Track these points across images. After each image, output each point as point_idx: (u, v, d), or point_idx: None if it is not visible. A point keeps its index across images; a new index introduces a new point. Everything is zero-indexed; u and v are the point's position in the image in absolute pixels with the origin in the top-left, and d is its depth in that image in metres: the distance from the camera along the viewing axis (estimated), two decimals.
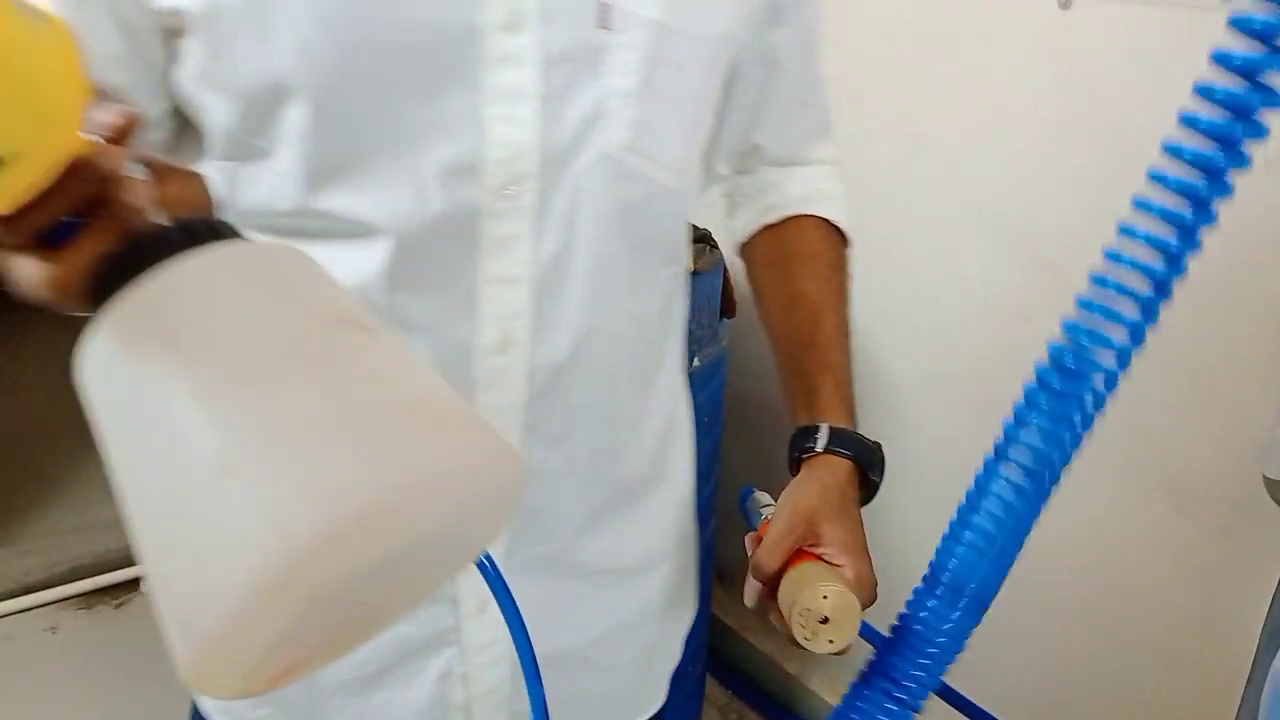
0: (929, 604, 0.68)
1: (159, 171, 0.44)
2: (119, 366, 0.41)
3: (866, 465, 0.82)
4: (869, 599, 0.75)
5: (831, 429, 0.81)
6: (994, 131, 1.47)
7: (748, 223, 0.92)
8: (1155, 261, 0.54)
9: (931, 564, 0.71)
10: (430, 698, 0.79)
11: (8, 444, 2.75)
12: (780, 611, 0.72)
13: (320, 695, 0.79)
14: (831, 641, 0.70)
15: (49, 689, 2.03)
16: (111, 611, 2.23)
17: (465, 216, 0.66)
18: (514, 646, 0.58)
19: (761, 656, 2.06)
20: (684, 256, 0.83)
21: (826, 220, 0.89)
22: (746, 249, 0.93)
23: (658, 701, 0.93)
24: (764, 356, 1.87)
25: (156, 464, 0.41)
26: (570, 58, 0.66)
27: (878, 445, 0.83)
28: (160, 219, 0.43)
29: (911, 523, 1.77)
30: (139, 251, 0.42)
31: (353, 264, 0.66)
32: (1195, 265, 0.54)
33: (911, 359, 1.69)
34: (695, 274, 1.61)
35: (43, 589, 2.24)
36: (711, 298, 1.64)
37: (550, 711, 0.63)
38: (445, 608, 0.76)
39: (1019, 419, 0.64)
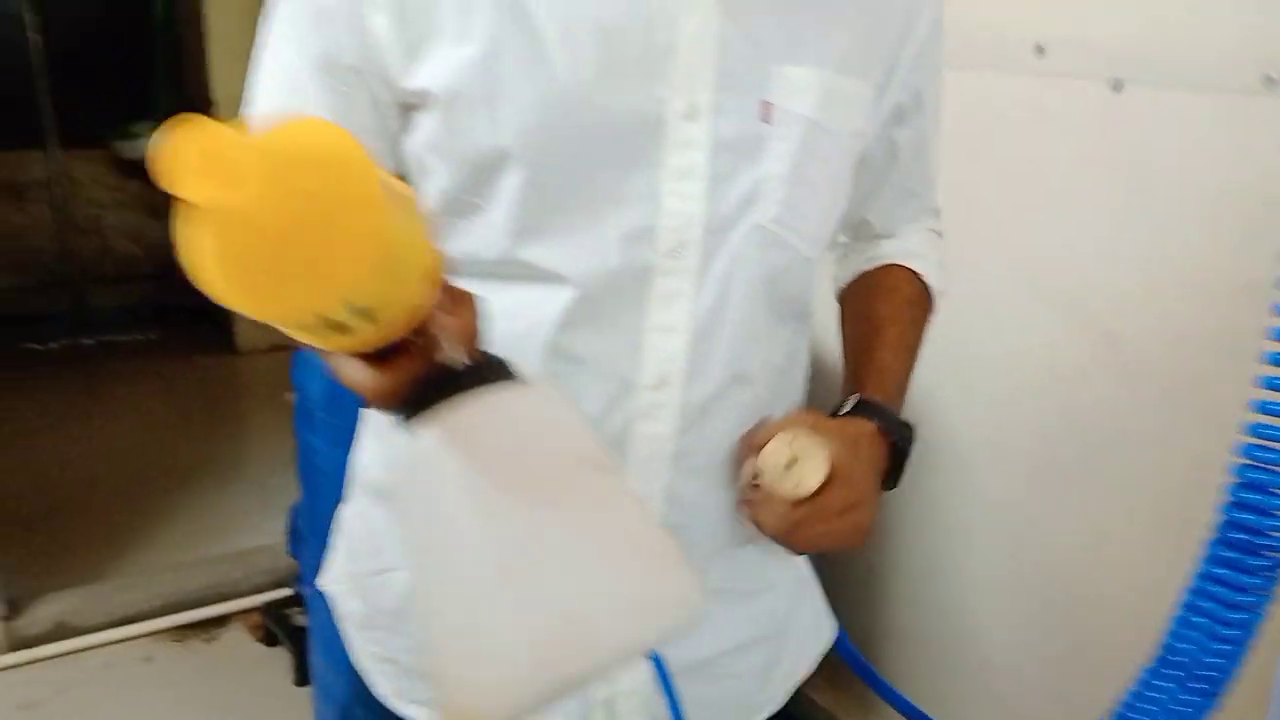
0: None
1: (453, 296, 0.54)
2: (427, 473, 0.52)
3: (893, 433, 0.84)
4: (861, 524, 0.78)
5: (862, 399, 0.85)
6: (1048, 207, 1.51)
7: (848, 272, 0.99)
8: None
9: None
10: (577, 695, 0.87)
11: (108, 489, 2.93)
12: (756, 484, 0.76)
13: None
14: (797, 484, 0.72)
15: (144, 715, 2.15)
16: (202, 645, 2.36)
17: (639, 272, 0.76)
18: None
19: (821, 711, 2.08)
20: (809, 316, 0.91)
21: (914, 271, 0.97)
22: (843, 294, 1.00)
23: (772, 707, 0.99)
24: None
25: (445, 554, 0.52)
26: (735, 146, 0.76)
27: (910, 424, 0.86)
28: (457, 350, 0.53)
29: (970, 585, 1.80)
30: (443, 379, 0.53)
31: (539, 305, 0.76)
32: None
33: (972, 426, 1.72)
34: None
35: (140, 620, 2.38)
36: None
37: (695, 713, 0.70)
38: None
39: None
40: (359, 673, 0.95)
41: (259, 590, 2.44)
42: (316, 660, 1.80)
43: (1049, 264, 1.52)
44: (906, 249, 0.96)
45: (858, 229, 0.98)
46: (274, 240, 0.43)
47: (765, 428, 0.79)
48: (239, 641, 2.37)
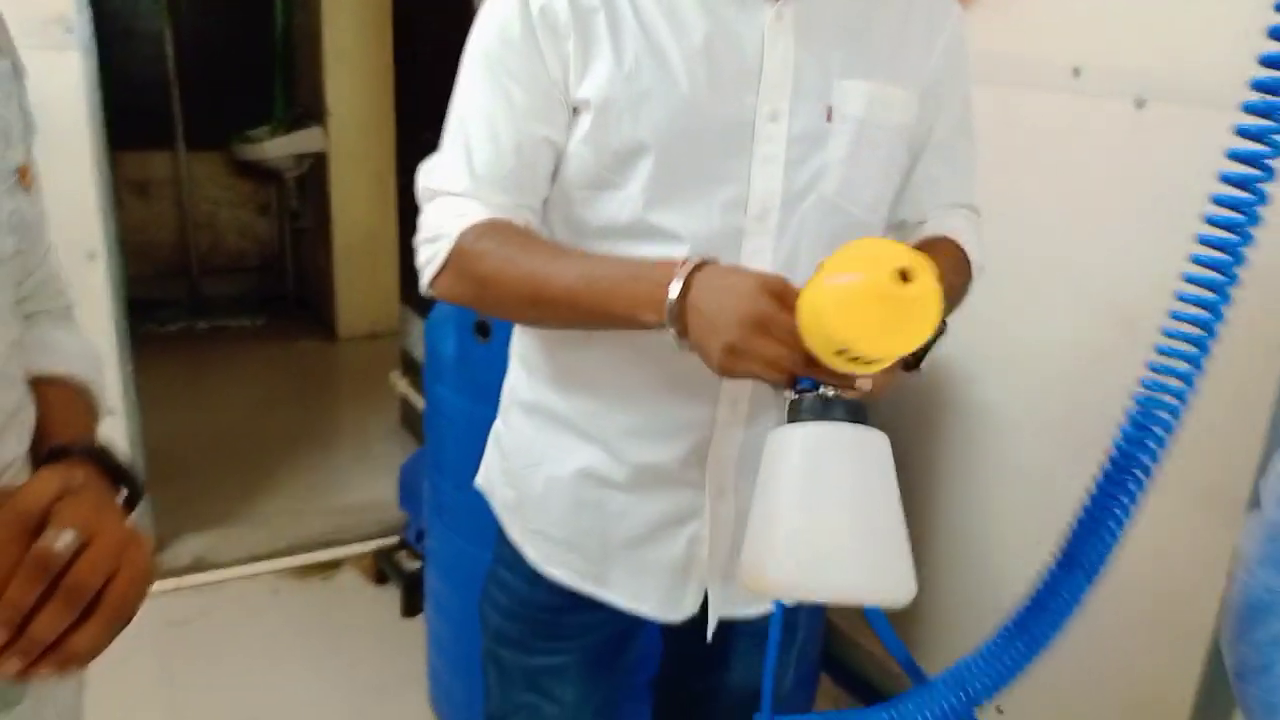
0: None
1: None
2: (803, 452, 0.84)
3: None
4: None
5: None
6: (1080, 210, 1.74)
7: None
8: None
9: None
10: (683, 553, 1.12)
11: (231, 450, 3.28)
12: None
13: (609, 547, 1.13)
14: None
15: (270, 639, 2.46)
16: (320, 582, 2.67)
17: (733, 233, 1.01)
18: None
19: (870, 658, 2.31)
20: None
21: (954, 240, 1.17)
22: None
23: None
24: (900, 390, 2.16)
25: (795, 494, 0.84)
26: (805, 139, 1.01)
27: (944, 323, 1.02)
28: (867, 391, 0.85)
29: (1011, 552, 2.02)
30: (857, 406, 0.84)
31: (663, 257, 0.96)
32: None
33: (1012, 404, 1.95)
34: None
35: (267, 559, 2.71)
36: None
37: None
38: (698, 491, 1.10)
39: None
40: (510, 545, 1.22)
41: (369, 538, 2.75)
42: (433, 576, 2.07)
43: (1082, 261, 1.75)
44: (948, 225, 1.17)
45: (901, 224, 1.19)
46: (892, 317, 0.77)
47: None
48: (352, 581, 2.68)
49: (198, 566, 2.65)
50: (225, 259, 4.86)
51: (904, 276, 0.76)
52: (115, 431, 2.46)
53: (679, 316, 0.88)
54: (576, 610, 1.17)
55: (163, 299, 4.52)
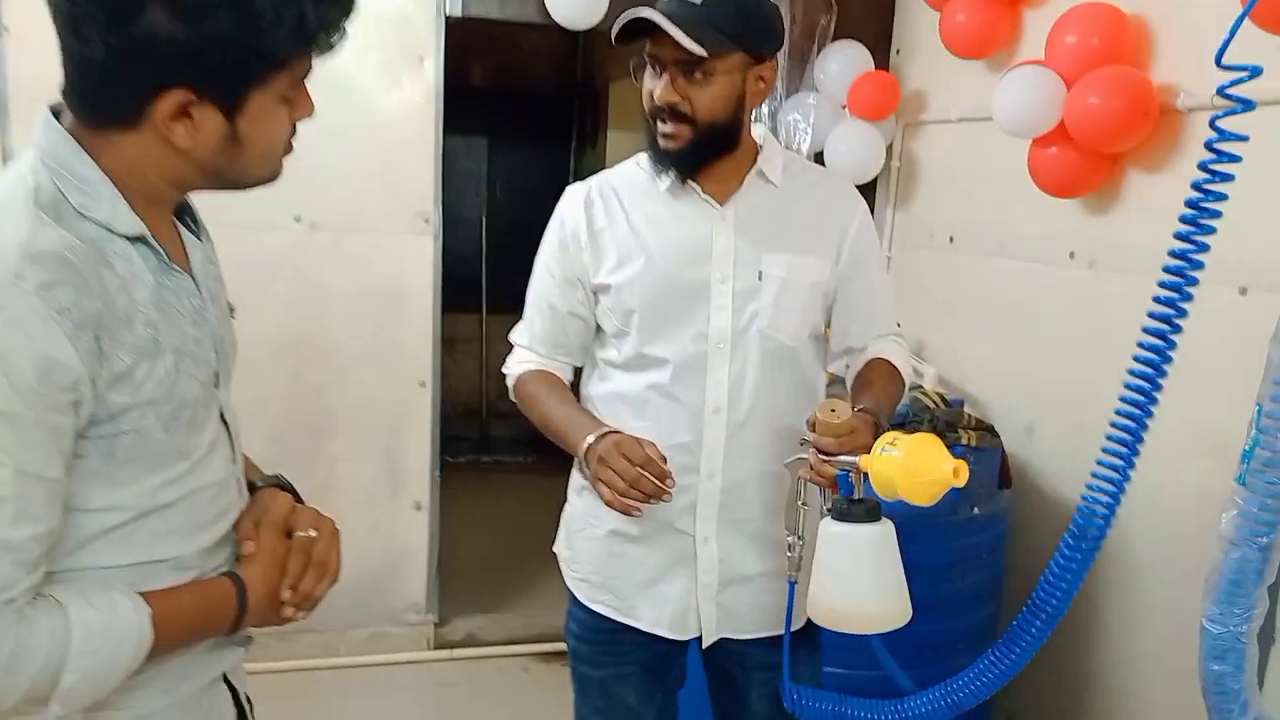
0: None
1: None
2: (848, 541, 1.34)
3: (876, 416, 1.42)
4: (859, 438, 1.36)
5: (862, 407, 1.45)
6: (1199, 378, 2.01)
7: (852, 374, 1.65)
8: None
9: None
10: (683, 588, 1.57)
11: (501, 558, 3.95)
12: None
13: (633, 586, 1.59)
14: (836, 414, 1.32)
15: (518, 708, 2.98)
16: (561, 668, 3.18)
17: (701, 355, 1.51)
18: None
19: None
20: (807, 381, 1.59)
21: (886, 359, 1.59)
22: (851, 382, 1.64)
23: (797, 624, 1.61)
24: (1041, 526, 2.48)
25: (848, 572, 1.34)
26: (744, 293, 1.50)
27: (880, 419, 1.42)
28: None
29: (1137, 675, 2.22)
30: (849, 505, 1.34)
31: (652, 375, 1.52)
32: None
33: (1143, 539, 2.20)
34: (978, 449, 2.29)
35: (521, 644, 3.27)
36: (991, 469, 2.30)
37: (736, 611, 1.46)
38: (688, 541, 1.55)
39: None
40: (572, 592, 1.69)
41: None
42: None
43: (1199, 418, 2.04)
44: (879, 349, 1.62)
45: (849, 350, 1.66)
46: (922, 477, 1.23)
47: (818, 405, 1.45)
48: None
49: (468, 642, 3.26)
50: (508, 406, 5.68)
51: (955, 473, 1.22)
52: (420, 522, 3.17)
53: (586, 451, 1.44)
54: (626, 632, 1.63)
55: (458, 436, 5.39)
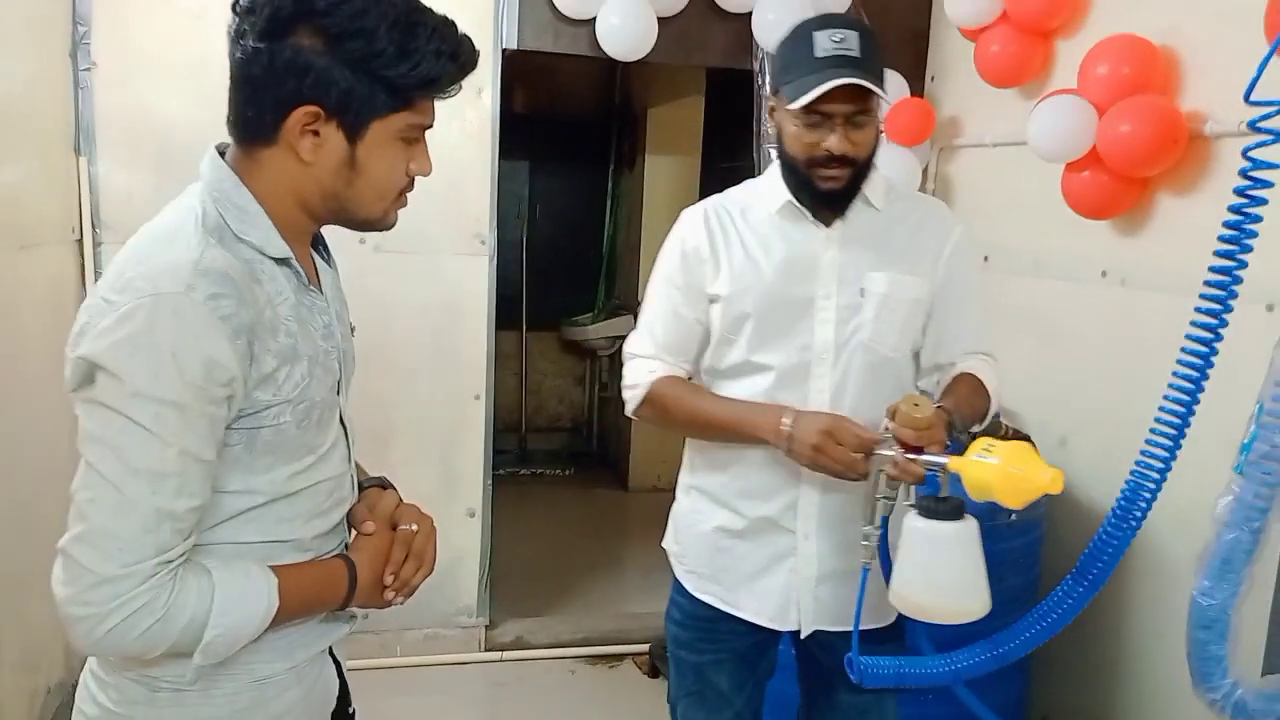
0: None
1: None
2: (933, 538, 1.42)
3: (951, 415, 1.51)
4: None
5: (940, 405, 1.52)
6: (1224, 395, 2.12)
7: (939, 388, 1.73)
8: None
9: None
10: (784, 581, 1.68)
11: (550, 562, 4.09)
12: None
13: (738, 579, 1.69)
14: (919, 408, 1.39)
15: (566, 707, 3.11)
16: (606, 670, 3.31)
17: (805, 364, 1.62)
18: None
19: None
20: (905, 390, 1.66)
21: (974, 374, 1.65)
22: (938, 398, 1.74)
23: (886, 621, 1.74)
24: (1075, 533, 2.59)
25: (935, 570, 1.44)
26: (847, 308, 1.62)
27: (955, 419, 1.50)
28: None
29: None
30: (934, 503, 1.43)
31: (758, 382, 1.63)
32: None
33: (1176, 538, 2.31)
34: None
35: (568, 646, 3.40)
36: None
37: (831, 605, 1.56)
38: (792, 537, 1.66)
39: None
40: (678, 580, 1.81)
41: (645, 640, 3.38)
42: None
43: (1229, 430, 2.14)
44: (969, 365, 1.70)
45: (939, 366, 1.73)
46: (1019, 481, 1.34)
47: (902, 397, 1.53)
48: (631, 671, 3.30)
49: (517, 645, 3.38)
50: (546, 420, 5.88)
51: (1051, 482, 1.32)
52: (474, 529, 3.30)
53: (787, 438, 1.52)
54: (724, 621, 1.75)
55: (498, 449, 5.52)
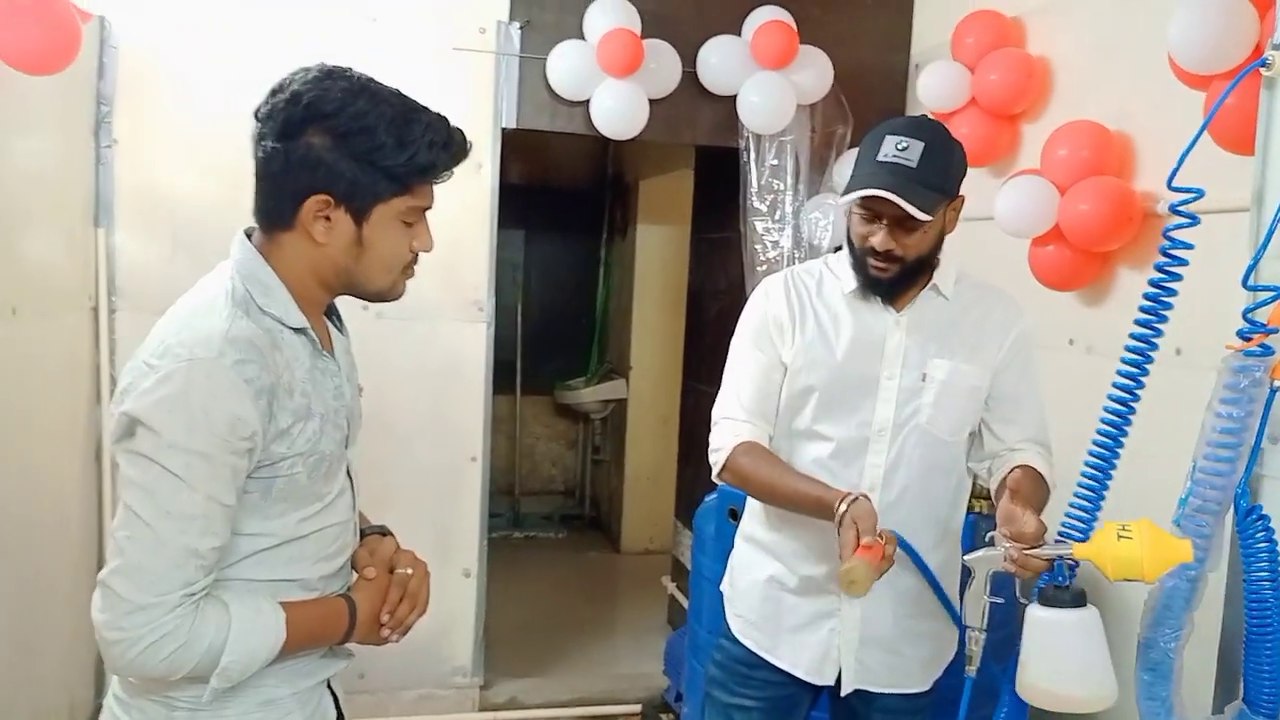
0: None
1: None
2: (1058, 627, 1.47)
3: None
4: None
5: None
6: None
7: (996, 479, 1.84)
8: None
9: None
10: (825, 639, 1.75)
11: (538, 626, 4.14)
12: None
13: (781, 630, 1.77)
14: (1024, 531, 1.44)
15: None
16: None
17: (863, 440, 1.71)
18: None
19: None
20: (957, 471, 1.77)
21: (1032, 466, 1.68)
22: (995, 488, 1.80)
23: (925, 686, 1.80)
24: None
25: (1062, 659, 1.48)
26: (908, 390, 1.70)
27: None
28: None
29: None
30: (1058, 591, 1.47)
31: (818, 450, 1.71)
32: None
33: None
34: (987, 515, 2.50)
35: (561, 707, 3.46)
36: None
37: (871, 667, 1.66)
38: (834, 599, 1.73)
39: None
40: (725, 621, 1.90)
41: (637, 700, 3.44)
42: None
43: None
44: (1026, 457, 1.75)
45: (994, 454, 1.79)
46: (1157, 559, 1.38)
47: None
48: None
49: (511, 705, 3.44)
50: (539, 483, 5.97)
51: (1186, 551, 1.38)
52: (469, 589, 3.38)
53: (838, 520, 1.54)
54: (761, 668, 1.84)
55: (491, 512, 5.58)
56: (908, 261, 1.68)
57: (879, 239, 1.65)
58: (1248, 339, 1.41)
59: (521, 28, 3.19)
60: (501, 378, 5.69)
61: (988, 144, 2.96)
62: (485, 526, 3.41)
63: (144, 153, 2.97)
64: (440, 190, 1.28)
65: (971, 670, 1.56)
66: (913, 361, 1.73)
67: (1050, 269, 2.64)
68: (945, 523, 1.80)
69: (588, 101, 3.19)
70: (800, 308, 1.78)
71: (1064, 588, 1.46)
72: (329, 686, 1.37)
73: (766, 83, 3.22)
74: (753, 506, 1.91)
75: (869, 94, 3.43)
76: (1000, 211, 2.64)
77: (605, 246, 5.83)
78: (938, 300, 1.77)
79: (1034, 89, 2.86)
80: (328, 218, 1.21)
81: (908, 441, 1.73)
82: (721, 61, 3.25)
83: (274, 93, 1.20)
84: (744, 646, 1.86)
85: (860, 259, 1.72)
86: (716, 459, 1.78)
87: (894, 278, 1.70)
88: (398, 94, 1.23)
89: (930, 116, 1.70)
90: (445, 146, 1.23)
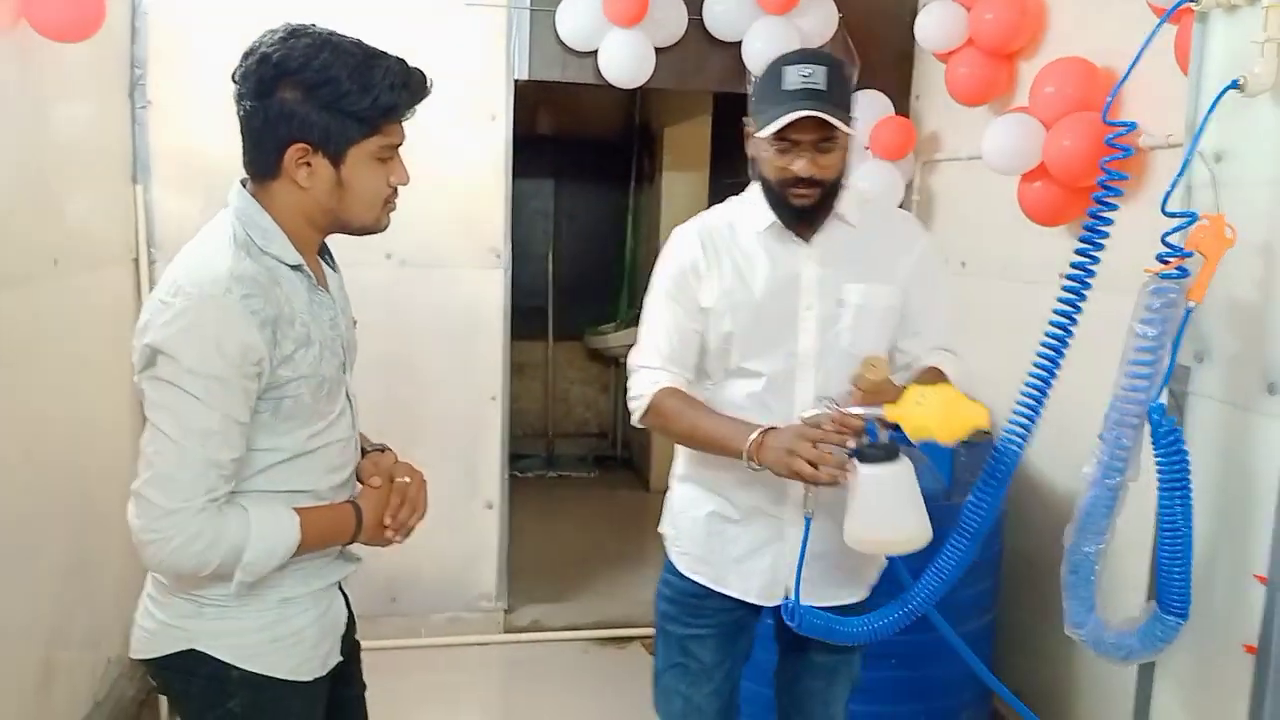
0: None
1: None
2: (875, 480, 1.60)
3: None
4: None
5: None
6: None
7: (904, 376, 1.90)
8: None
9: None
10: (770, 563, 1.85)
11: (566, 556, 4.36)
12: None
13: (728, 560, 1.86)
14: (875, 366, 1.57)
15: (578, 684, 3.36)
16: (616, 650, 3.56)
17: (791, 369, 1.80)
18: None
19: None
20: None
21: (939, 369, 1.76)
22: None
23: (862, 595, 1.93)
24: (1033, 511, 2.81)
25: (890, 503, 1.63)
26: (826, 317, 1.78)
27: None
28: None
29: None
30: (872, 449, 1.60)
31: (750, 385, 1.79)
32: None
33: None
34: (973, 444, 2.60)
35: (581, 629, 3.66)
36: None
37: (815, 582, 1.79)
38: (779, 522, 1.82)
39: None
40: (670, 560, 2.01)
41: (651, 624, 3.60)
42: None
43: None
44: (934, 360, 1.84)
45: (907, 365, 1.88)
46: (951, 419, 1.54)
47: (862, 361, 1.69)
48: (637, 652, 3.55)
49: (534, 628, 3.65)
50: (572, 426, 6.16)
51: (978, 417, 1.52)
52: (491, 520, 3.58)
53: (752, 455, 1.67)
54: (710, 598, 1.93)
55: (526, 454, 5.82)
56: (828, 184, 1.75)
57: (801, 165, 1.71)
58: (1166, 262, 1.50)
59: None
60: (535, 324, 5.89)
61: (986, 83, 3.02)
62: (506, 461, 3.59)
63: (177, 113, 3.15)
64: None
65: (808, 512, 1.71)
66: (828, 290, 1.81)
67: (1038, 205, 2.71)
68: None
69: (596, 52, 3.29)
70: (716, 253, 1.84)
71: (878, 445, 1.58)
72: (340, 589, 1.54)
73: (772, 28, 3.29)
74: (683, 451, 1.98)
75: (876, 33, 3.48)
76: (987, 149, 2.72)
77: (633, 194, 5.93)
78: (844, 228, 1.83)
79: (1029, 27, 2.90)
80: (308, 164, 1.34)
81: (833, 366, 1.80)
82: (727, 8, 3.32)
83: (245, 56, 1.34)
84: (693, 581, 1.94)
85: (780, 192, 1.76)
86: (636, 405, 1.86)
87: (816, 203, 1.76)
88: (358, 43, 1.35)
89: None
90: (405, 86, 1.36)
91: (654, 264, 1.94)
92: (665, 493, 2.08)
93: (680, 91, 4.60)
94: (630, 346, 1.94)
